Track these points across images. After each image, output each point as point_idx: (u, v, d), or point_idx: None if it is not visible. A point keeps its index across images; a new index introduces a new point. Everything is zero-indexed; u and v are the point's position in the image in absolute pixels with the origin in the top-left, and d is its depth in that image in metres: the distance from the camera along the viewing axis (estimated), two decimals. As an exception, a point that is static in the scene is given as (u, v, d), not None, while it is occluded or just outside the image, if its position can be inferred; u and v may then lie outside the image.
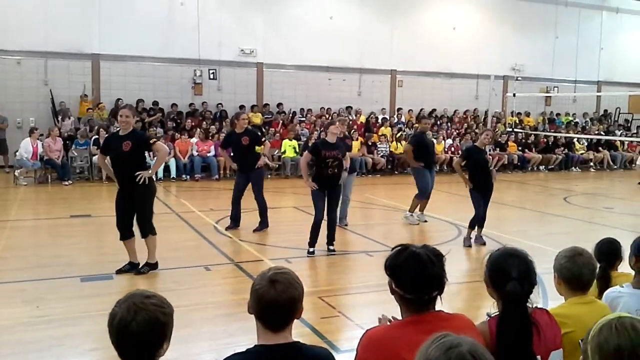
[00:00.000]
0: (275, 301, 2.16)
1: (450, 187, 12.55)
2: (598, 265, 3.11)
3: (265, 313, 2.20)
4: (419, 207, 10.26)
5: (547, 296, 5.95)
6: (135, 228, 6.92)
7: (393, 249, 2.35)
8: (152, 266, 6.96)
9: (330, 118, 19.85)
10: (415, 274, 2.23)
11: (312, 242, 7.95)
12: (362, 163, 17.89)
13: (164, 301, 2.15)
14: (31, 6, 17.21)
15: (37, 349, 4.82)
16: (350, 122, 20.09)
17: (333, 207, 8.08)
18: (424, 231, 9.82)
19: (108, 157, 7.03)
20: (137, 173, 6.64)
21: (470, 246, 8.60)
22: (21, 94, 17.53)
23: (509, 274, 2.43)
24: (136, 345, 2.05)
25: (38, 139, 15.33)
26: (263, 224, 9.51)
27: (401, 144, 19.11)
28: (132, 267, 6.91)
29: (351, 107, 21.02)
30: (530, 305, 2.46)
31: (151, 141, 6.97)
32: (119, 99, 18.10)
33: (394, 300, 2.37)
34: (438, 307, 2.32)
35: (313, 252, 7.91)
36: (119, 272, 6.83)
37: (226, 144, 9.88)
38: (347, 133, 10.21)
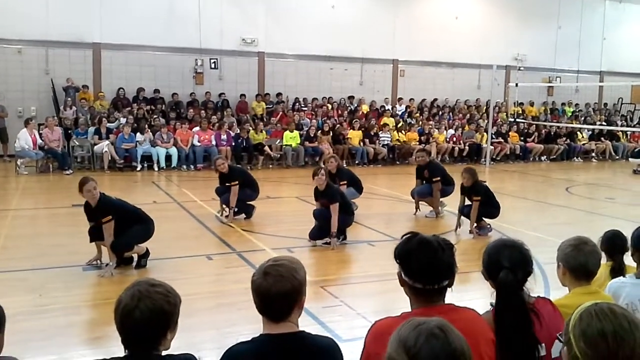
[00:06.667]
0: (267, 293, 2.18)
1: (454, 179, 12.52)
2: (603, 255, 3.13)
3: (260, 304, 2.23)
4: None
5: (549, 286, 5.95)
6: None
7: (402, 236, 2.34)
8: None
9: (330, 107, 19.88)
10: (425, 260, 2.20)
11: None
12: (364, 153, 17.91)
13: (170, 291, 2.14)
14: (32, -5, 17.14)
15: (40, 338, 4.83)
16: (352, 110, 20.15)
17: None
18: (427, 221, 9.81)
19: None
20: None
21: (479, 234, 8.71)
22: (22, 83, 17.50)
23: (502, 263, 2.47)
24: (138, 333, 2.05)
25: (39, 130, 15.34)
26: (249, 212, 9.66)
27: (402, 134, 19.12)
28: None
29: (353, 97, 21.02)
30: (528, 293, 2.48)
31: None
32: (120, 88, 18.08)
33: (396, 290, 2.36)
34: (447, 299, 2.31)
35: (314, 244, 7.93)
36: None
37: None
38: (339, 167, 10.21)
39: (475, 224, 8.71)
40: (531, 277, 2.53)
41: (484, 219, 8.84)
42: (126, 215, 6.68)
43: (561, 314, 2.58)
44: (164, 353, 2.12)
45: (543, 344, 2.41)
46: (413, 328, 1.53)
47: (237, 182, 9.37)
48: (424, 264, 2.21)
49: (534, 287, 2.56)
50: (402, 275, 2.27)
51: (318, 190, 8.01)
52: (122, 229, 6.55)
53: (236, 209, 9.50)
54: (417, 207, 10.22)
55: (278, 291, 2.17)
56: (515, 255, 2.49)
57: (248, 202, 9.67)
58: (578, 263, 2.85)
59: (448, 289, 2.27)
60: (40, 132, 15.68)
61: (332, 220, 7.69)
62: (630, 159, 19.81)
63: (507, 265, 2.45)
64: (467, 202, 8.85)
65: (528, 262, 2.51)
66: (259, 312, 2.25)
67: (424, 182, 10.24)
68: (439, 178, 10.07)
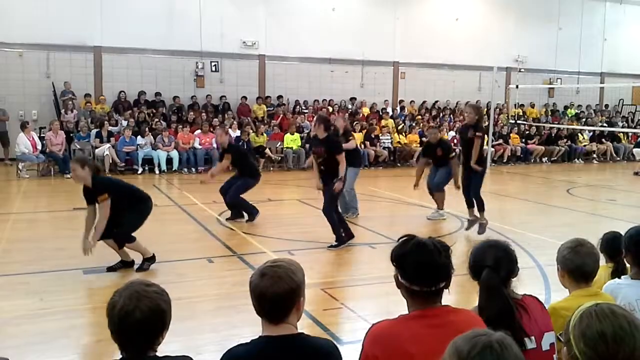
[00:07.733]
0: (264, 294, 2.18)
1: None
2: (601, 255, 3.12)
3: (257, 305, 2.22)
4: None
5: (549, 288, 5.96)
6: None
7: (399, 239, 2.34)
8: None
9: (332, 110, 19.87)
10: (421, 263, 2.21)
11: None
12: (365, 155, 17.90)
13: (163, 290, 2.15)
14: (33, -2, 17.17)
15: (41, 341, 4.82)
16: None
17: (324, 203, 7.89)
18: (427, 223, 9.80)
19: None
20: None
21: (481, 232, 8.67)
22: (23, 87, 17.52)
23: (485, 262, 2.50)
24: (138, 334, 2.04)
25: (40, 134, 15.35)
26: (252, 215, 9.61)
27: (403, 136, 19.12)
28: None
29: (354, 99, 21.05)
30: (512, 290, 2.50)
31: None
32: (121, 92, 18.10)
33: (397, 293, 2.36)
34: (444, 300, 2.31)
35: (335, 245, 7.87)
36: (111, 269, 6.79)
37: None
38: (349, 126, 10.16)
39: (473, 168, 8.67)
40: (517, 277, 2.55)
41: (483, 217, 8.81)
42: (122, 193, 6.65)
43: (547, 312, 2.62)
44: (160, 354, 2.12)
45: (532, 337, 2.42)
46: (471, 337, 1.49)
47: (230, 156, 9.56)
48: (420, 267, 2.21)
49: (518, 285, 2.58)
50: (399, 277, 2.28)
51: (317, 138, 7.81)
52: (119, 210, 6.51)
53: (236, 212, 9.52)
54: (417, 183, 10.25)
55: (275, 292, 2.16)
56: (499, 255, 2.52)
57: (252, 205, 9.61)
58: (575, 265, 2.86)
59: (445, 290, 2.27)
60: (42, 135, 15.71)
61: (340, 167, 7.59)
62: (634, 149, 19.64)
63: (490, 264, 2.48)
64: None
65: (512, 261, 2.54)
66: (257, 313, 2.24)
67: (433, 161, 10.20)
68: (454, 154, 10.18)
